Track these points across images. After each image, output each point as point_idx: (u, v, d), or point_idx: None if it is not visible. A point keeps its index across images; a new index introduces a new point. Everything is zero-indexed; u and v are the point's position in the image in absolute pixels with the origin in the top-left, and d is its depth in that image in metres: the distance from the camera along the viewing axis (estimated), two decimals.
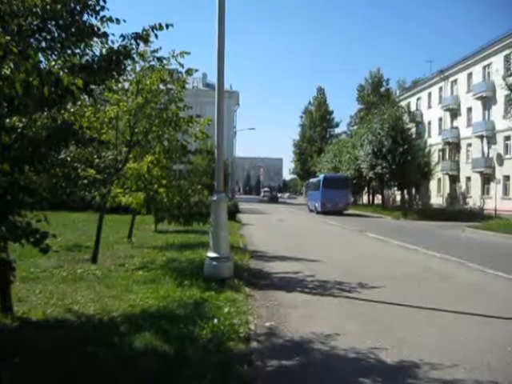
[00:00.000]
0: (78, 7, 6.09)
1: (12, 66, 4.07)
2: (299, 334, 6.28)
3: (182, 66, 10.81)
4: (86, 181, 7.50)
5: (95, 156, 8.45)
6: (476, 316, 7.45)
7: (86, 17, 6.22)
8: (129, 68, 7.76)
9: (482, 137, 48.65)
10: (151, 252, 12.96)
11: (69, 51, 6.08)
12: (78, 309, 6.89)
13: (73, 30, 5.97)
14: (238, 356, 5.25)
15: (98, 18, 6.25)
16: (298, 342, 5.95)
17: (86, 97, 6.52)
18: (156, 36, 7.18)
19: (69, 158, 6.76)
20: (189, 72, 11.11)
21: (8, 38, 4.38)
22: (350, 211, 45.59)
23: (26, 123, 5.73)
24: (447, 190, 56.03)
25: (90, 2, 6.16)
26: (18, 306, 6.71)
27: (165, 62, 10.52)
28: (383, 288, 9.47)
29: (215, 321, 6.28)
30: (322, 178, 47.67)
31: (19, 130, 5.68)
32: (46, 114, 5.78)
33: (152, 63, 10.70)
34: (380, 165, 44.66)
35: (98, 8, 6.23)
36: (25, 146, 5.60)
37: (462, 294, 9.26)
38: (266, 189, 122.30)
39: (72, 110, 6.72)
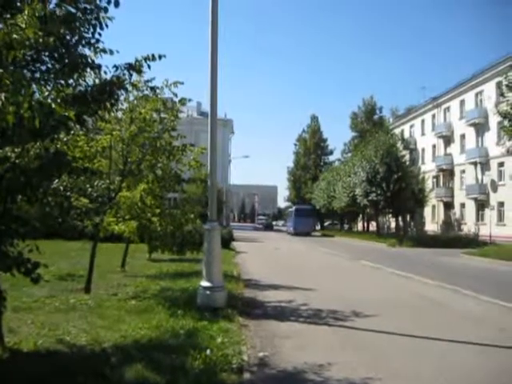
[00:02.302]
0: (73, 39, 6.15)
1: (3, 98, 4.09)
2: (292, 364, 6.21)
3: (175, 95, 10.91)
4: (78, 210, 7.49)
5: (88, 185, 8.44)
6: (471, 345, 7.41)
7: (79, 48, 6.29)
8: (122, 97, 7.82)
9: (475, 163, 48.96)
10: (144, 281, 12.88)
11: (62, 82, 6.12)
12: (69, 339, 6.80)
13: (66, 61, 6.02)
14: None
15: (92, 48, 6.31)
16: (292, 373, 5.89)
17: (78, 126, 6.53)
18: (149, 66, 7.25)
19: (61, 188, 6.75)
20: (182, 101, 11.21)
21: (1, 70, 4.42)
22: (346, 238, 45.94)
23: (18, 153, 5.74)
24: (442, 216, 56.13)
25: (85, 35, 6.23)
26: (9, 336, 6.62)
27: (158, 91, 10.62)
28: (377, 316, 9.41)
29: (208, 351, 6.21)
30: (293, 209, 65.71)
31: (12, 160, 5.69)
32: (38, 144, 5.79)
33: (146, 92, 10.78)
34: (374, 192, 44.84)
35: (93, 41, 6.30)
36: (17, 176, 5.61)
37: (457, 322, 9.22)
38: (261, 217, 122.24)
39: (65, 139, 6.74)
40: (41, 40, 5.29)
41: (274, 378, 5.74)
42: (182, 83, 10.86)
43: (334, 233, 65.86)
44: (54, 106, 4.71)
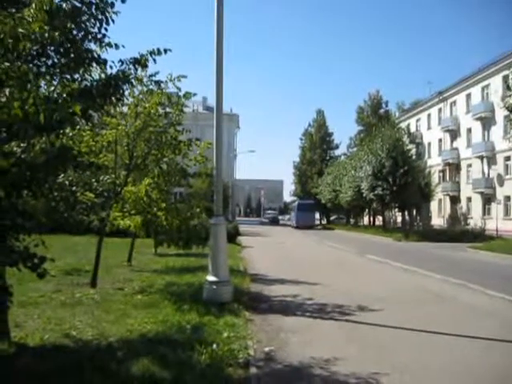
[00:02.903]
0: (79, 34, 6.13)
1: (7, 93, 4.08)
2: (299, 358, 6.20)
3: (179, 89, 10.88)
4: (84, 205, 7.48)
5: (93, 180, 8.44)
6: (478, 339, 7.37)
7: (85, 42, 6.27)
8: (127, 92, 7.79)
9: (482, 157, 48.78)
10: (150, 276, 12.89)
11: (68, 76, 6.11)
12: (75, 334, 6.82)
13: (72, 55, 5.99)
14: (237, 383, 5.19)
15: (97, 43, 6.28)
16: (298, 368, 5.88)
17: (84, 121, 6.51)
18: (154, 61, 7.21)
19: (67, 182, 6.74)
20: (186, 96, 11.19)
21: (8, 64, 4.40)
22: (352, 232, 45.97)
23: (24, 148, 5.72)
24: (448, 210, 55.96)
25: (92, 30, 6.20)
26: (16, 331, 6.65)
27: (163, 85, 10.58)
28: (383, 311, 9.39)
29: (214, 346, 6.21)
30: (296, 204, 71.31)
31: (17, 155, 5.67)
32: (44, 138, 5.78)
33: (151, 87, 10.75)
34: (380, 186, 44.66)
35: (99, 36, 6.27)
36: (23, 171, 5.60)
37: (464, 317, 9.19)
38: (269, 211, 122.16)
39: (70, 134, 6.72)
40: (46, 34, 5.27)
41: (280, 373, 5.73)
42: (186, 77, 10.82)
43: (339, 227, 65.65)
44: (59, 100, 4.70)
